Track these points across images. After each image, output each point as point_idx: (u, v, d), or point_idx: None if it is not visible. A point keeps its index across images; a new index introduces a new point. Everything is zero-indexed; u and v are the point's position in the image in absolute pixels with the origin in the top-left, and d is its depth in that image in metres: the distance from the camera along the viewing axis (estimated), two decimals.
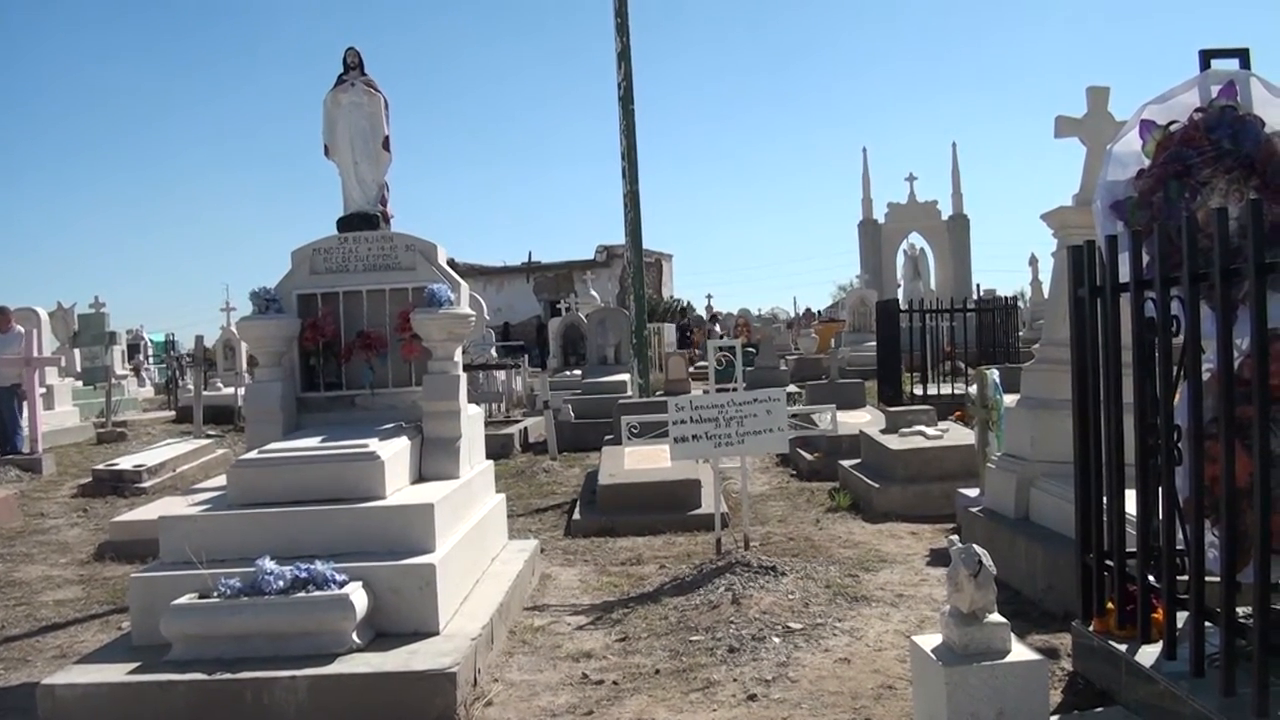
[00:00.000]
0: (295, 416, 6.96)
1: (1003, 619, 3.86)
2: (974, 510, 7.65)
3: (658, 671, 5.41)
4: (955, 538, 4.26)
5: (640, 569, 7.73)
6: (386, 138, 7.50)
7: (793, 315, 44.99)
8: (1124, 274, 4.45)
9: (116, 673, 5.08)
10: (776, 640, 5.71)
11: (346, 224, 7.32)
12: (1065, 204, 7.39)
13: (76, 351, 25.27)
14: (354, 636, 5.14)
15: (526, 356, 25.03)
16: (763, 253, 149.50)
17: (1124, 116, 6.92)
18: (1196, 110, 4.38)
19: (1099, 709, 4.41)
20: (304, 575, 5.20)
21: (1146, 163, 4.55)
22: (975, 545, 3.88)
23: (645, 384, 17.08)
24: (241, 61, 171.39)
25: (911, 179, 37.55)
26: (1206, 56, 4.52)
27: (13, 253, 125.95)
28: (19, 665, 6.28)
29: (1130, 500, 4.50)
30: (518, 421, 17.06)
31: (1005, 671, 3.73)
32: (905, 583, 6.97)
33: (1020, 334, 23.69)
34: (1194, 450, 3.94)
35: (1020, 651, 3.82)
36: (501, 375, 20.14)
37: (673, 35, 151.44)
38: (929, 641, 3.96)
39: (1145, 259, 4.31)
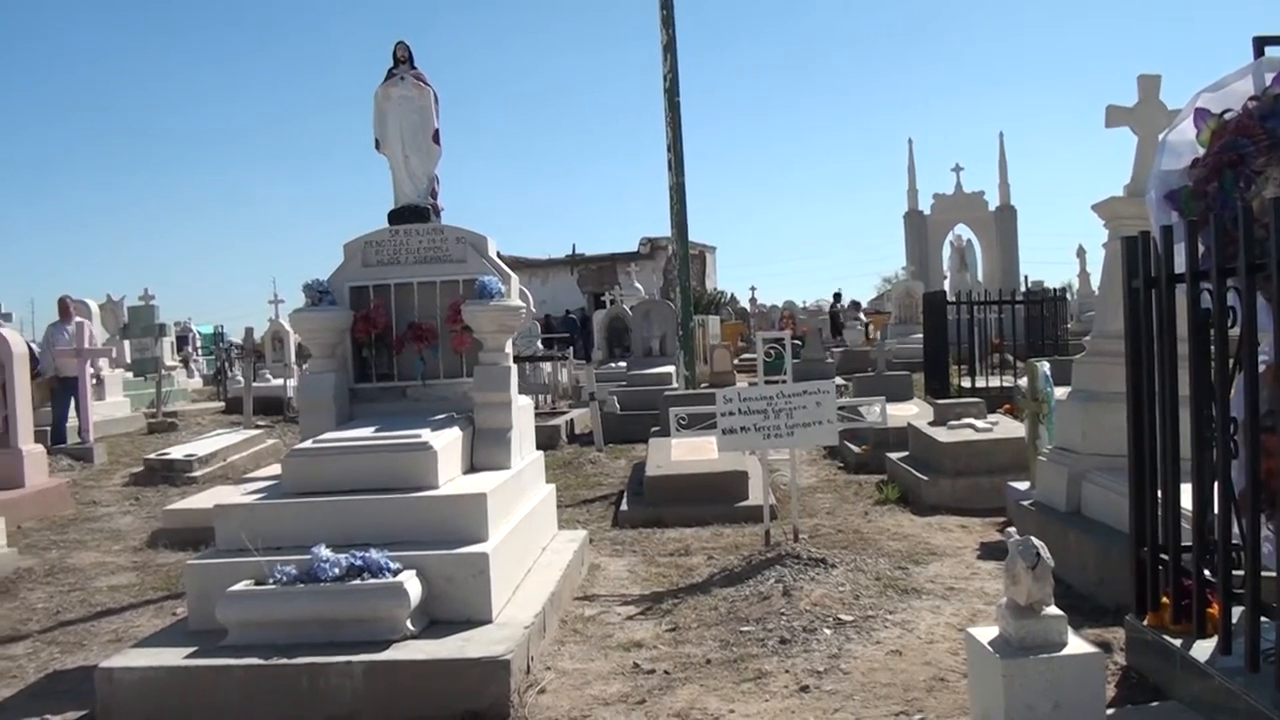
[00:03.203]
0: (348, 407, 7.04)
1: (1060, 611, 3.85)
2: (1024, 504, 7.61)
3: (709, 661, 5.43)
4: (1013, 530, 4.25)
5: (689, 560, 7.75)
6: (436, 131, 7.55)
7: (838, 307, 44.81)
8: (1179, 265, 4.41)
9: (173, 657, 5.16)
10: (828, 632, 5.72)
11: (397, 217, 7.38)
12: (1116, 194, 7.33)
13: (126, 343, 25.59)
14: (408, 624, 5.19)
15: (571, 349, 25.09)
16: (806, 245, 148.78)
17: (1175, 105, 6.89)
18: (1251, 99, 4.32)
19: (1154, 704, 4.39)
20: (359, 563, 5.26)
21: (1201, 152, 4.50)
22: (1033, 538, 3.86)
23: (691, 376, 17.08)
24: (291, 52, 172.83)
25: (958, 169, 37.33)
26: (1261, 43, 4.46)
27: (63, 246, 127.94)
28: (75, 649, 6.39)
29: (1185, 493, 4.46)
30: (564, 413, 17.12)
31: (1062, 664, 3.71)
32: (956, 576, 6.95)
33: (1068, 326, 23.45)
34: (1250, 443, 3.90)
35: (1077, 644, 3.81)
36: (547, 367, 20.23)
37: (717, 27, 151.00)
38: (985, 634, 3.95)
39: (1201, 250, 4.27)
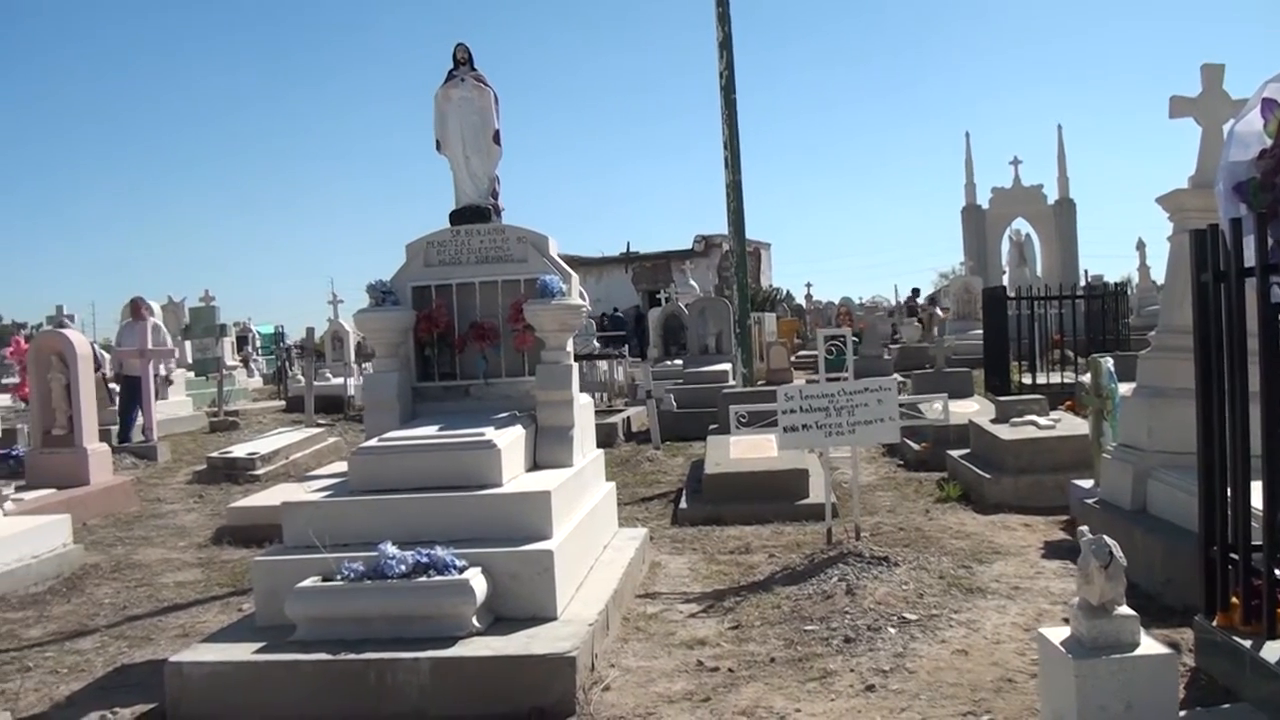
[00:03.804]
0: (411, 406, 7.11)
1: (1132, 611, 3.80)
2: (1089, 502, 7.53)
3: (773, 660, 5.43)
4: (1084, 528, 4.20)
5: (750, 558, 7.74)
6: (497, 132, 7.60)
7: (894, 304, 44.50)
8: (1249, 258, 4.35)
9: (242, 652, 5.25)
10: (892, 631, 5.70)
11: (459, 217, 7.44)
12: (1181, 186, 7.22)
13: (187, 344, 26.01)
14: (474, 620, 5.24)
15: (627, 347, 25.13)
16: (862, 240, 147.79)
17: (1240, 95, 6.78)
18: None
19: (1224, 706, 4.33)
20: (425, 560, 5.32)
21: (1269, 143, 4.43)
22: (1106, 536, 3.82)
23: (749, 374, 17.05)
24: (346, 53, 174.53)
25: (1016, 163, 36.72)
26: None
27: (124, 248, 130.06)
28: (142, 643, 6.51)
29: (1256, 491, 4.40)
30: (620, 411, 17.15)
31: (1135, 665, 3.67)
32: (1020, 575, 6.88)
33: (1129, 321, 23.13)
34: None
35: (1149, 645, 3.76)
36: (603, 365, 20.27)
37: (773, 23, 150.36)
38: (1057, 634, 3.92)
39: (1270, 242, 4.21)
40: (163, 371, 15.96)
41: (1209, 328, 4.74)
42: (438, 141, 7.61)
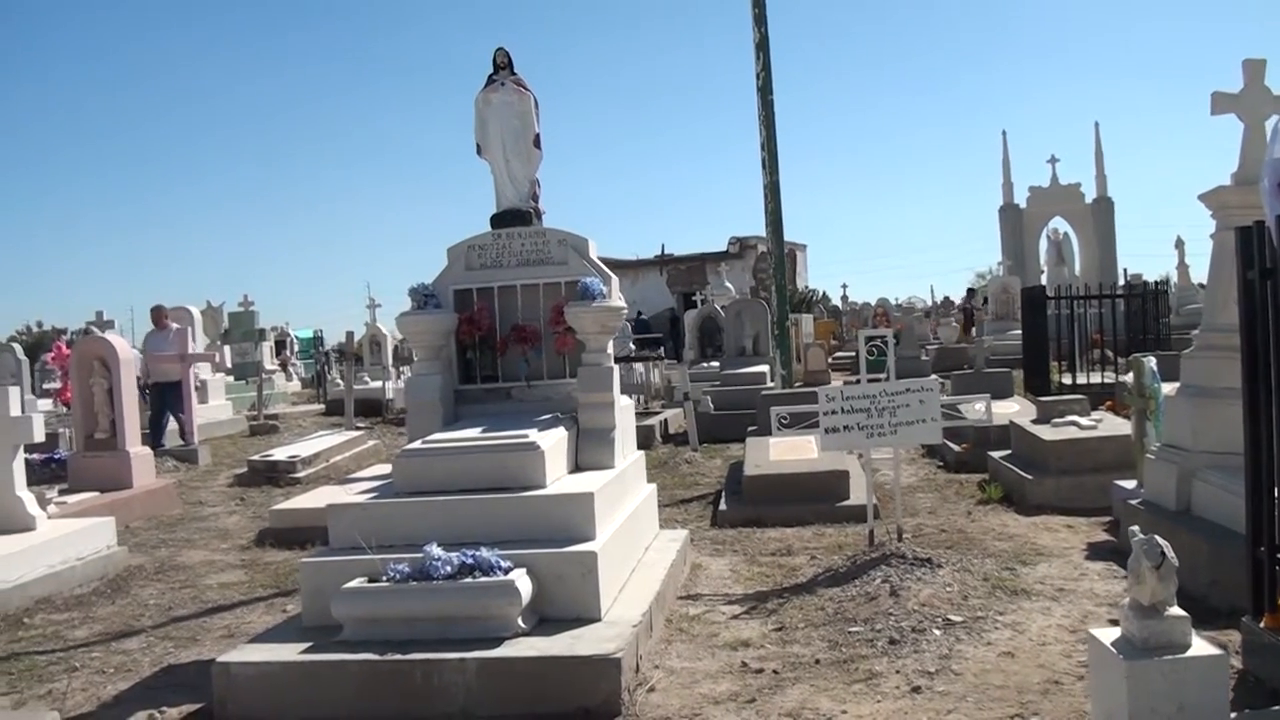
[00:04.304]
0: (453, 408, 7.17)
1: (1183, 613, 3.78)
2: (1132, 502, 7.46)
3: (818, 661, 5.42)
4: (1136, 528, 4.17)
5: (791, 560, 7.74)
6: (537, 135, 7.65)
7: (930, 304, 44.29)
8: None
9: (289, 652, 5.31)
10: (937, 633, 5.67)
11: (500, 220, 7.49)
12: (1223, 183, 7.15)
13: (227, 348, 26.27)
14: (519, 621, 5.27)
15: (663, 349, 25.13)
16: (897, 241, 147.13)
17: None
18: None
19: (1273, 708, 4.29)
20: (470, 561, 5.36)
21: None
22: (1157, 537, 3.80)
23: (788, 375, 17.01)
24: (385, 57, 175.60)
25: (1053, 161, 36.43)
26: None
27: (163, 253, 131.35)
28: (188, 644, 6.59)
29: None
30: (657, 413, 17.15)
31: (1186, 666, 3.65)
32: (1065, 577, 6.84)
33: (1169, 320, 22.91)
34: None
35: (1201, 646, 3.74)
36: (639, 367, 20.29)
37: (809, 24, 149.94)
38: (1107, 635, 3.90)
39: None
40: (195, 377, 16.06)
41: (1255, 326, 4.71)
42: (478, 145, 7.67)
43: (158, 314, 16.37)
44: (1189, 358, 7.37)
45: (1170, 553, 3.74)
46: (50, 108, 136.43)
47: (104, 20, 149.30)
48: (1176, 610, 3.77)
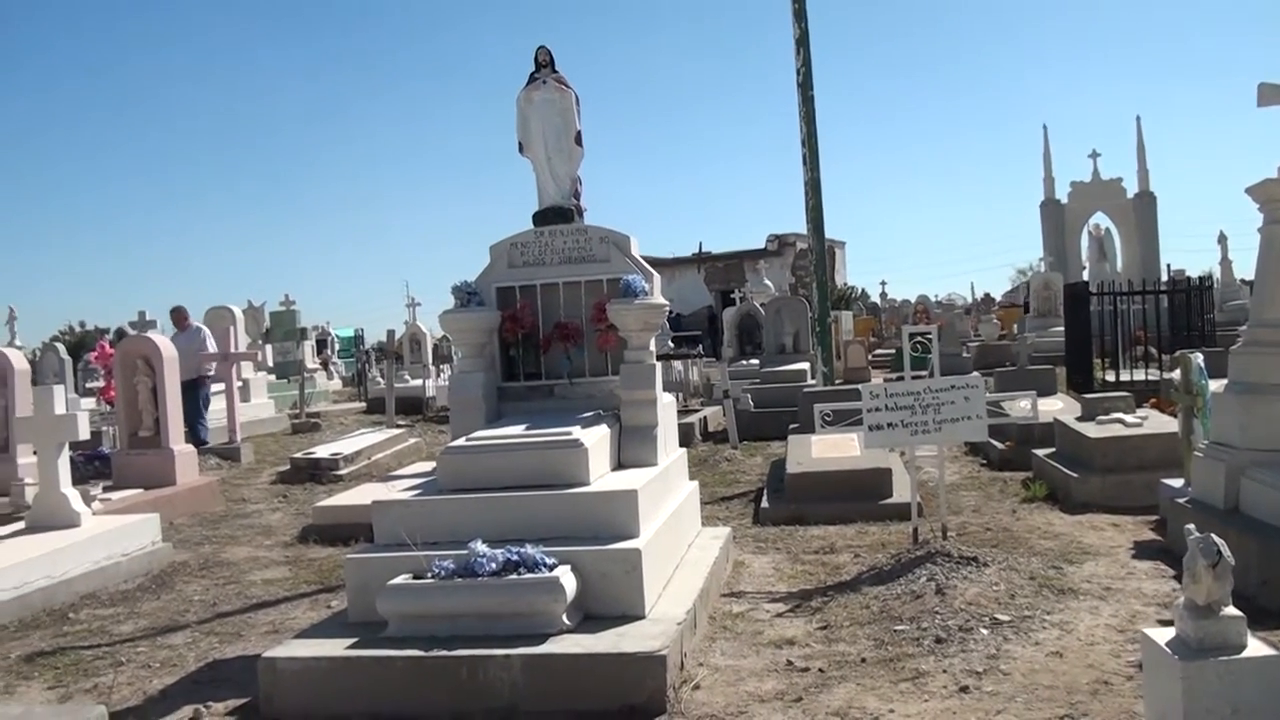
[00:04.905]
0: (496, 405, 7.17)
1: (1239, 613, 3.71)
2: (1179, 501, 7.37)
3: (864, 660, 5.38)
4: (1192, 526, 4.11)
5: (834, 558, 7.70)
6: (578, 133, 7.64)
7: (970, 301, 43.96)
8: None
9: (335, 647, 5.33)
10: (984, 632, 5.62)
11: (542, 218, 7.49)
12: (1270, 176, 7.04)
13: (268, 347, 26.47)
14: (564, 618, 5.27)
15: (701, 347, 25.12)
16: (937, 237, 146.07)
17: None
18: None
19: None
20: (515, 558, 5.36)
21: None
22: (1213, 535, 3.74)
23: (830, 372, 16.93)
24: (426, 55, 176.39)
25: (1094, 156, 36.07)
26: None
27: (206, 254, 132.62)
28: (233, 639, 6.64)
29: None
30: (697, 411, 17.15)
31: (1242, 667, 3.59)
32: (1111, 576, 6.76)
33: (1213, 316, 22.61)
34: None
35: (1257, 647, 3.67)
36: (678, 365, 20.28)
37: (848, 20, 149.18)
38: (1161, 635, 3.84)
39: None
40: (211, 373, 16.15)
41: None
42: (520, 143, 7.66)
43: (180, 315, 16.50)
44: (1237, 354, 7.27)
45: (1226, 552, 3.68)
46: (98, 108, 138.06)
47: (158, 19, 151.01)
48: (1232, 610, 3.71)
